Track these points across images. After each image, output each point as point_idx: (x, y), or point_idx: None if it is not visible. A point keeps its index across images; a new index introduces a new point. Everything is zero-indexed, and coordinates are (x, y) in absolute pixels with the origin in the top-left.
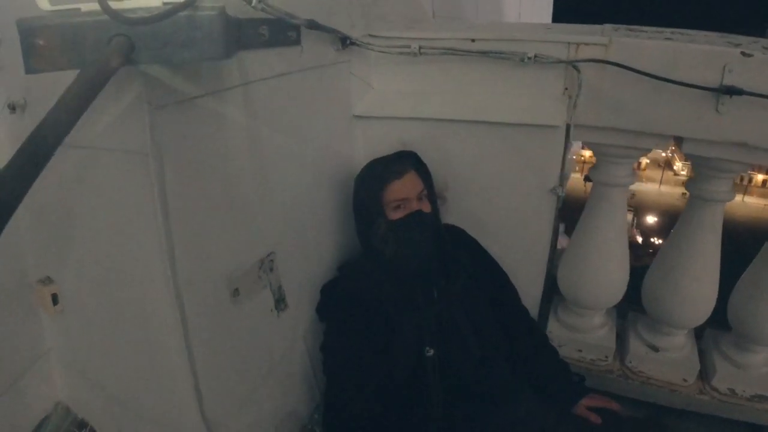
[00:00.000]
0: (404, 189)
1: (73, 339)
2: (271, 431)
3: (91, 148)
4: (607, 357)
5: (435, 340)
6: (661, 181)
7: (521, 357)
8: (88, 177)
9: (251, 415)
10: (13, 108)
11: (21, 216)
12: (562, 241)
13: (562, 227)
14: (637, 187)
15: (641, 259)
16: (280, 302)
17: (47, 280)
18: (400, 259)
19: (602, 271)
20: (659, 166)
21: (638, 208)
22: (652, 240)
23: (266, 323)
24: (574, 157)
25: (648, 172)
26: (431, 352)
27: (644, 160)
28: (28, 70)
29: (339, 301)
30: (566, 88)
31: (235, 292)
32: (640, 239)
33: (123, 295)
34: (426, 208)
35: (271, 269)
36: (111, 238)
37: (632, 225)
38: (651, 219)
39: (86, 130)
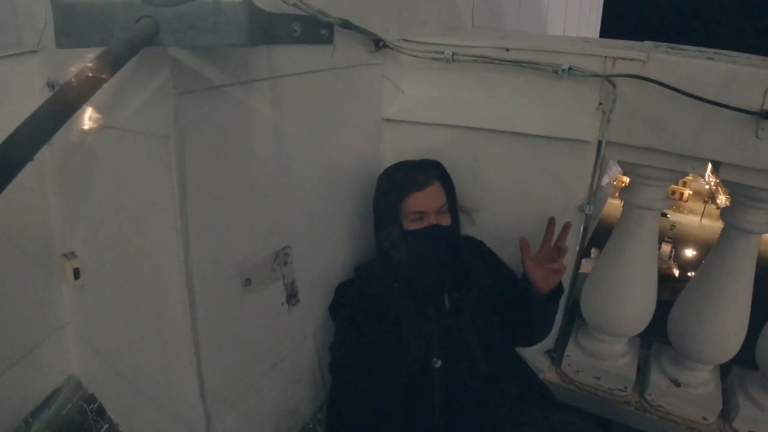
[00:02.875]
0: (424, 201)
1: (90, 314)
2: (271, 425)
3: (120, 129)
4: (626, 387)
5: (443, 352)
6: (703, 214)
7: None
8: (115, 157)
9: (252, 406)
10: (52, 86)
11: (52, 188)
12: (588, 266)
13: (596, 253)
14: (678, 218)
15: (676, 293)
16: (292, 297)
17: (71, 255)
18: (410, 270)
19: (627, 297)
20: (704, 200)
21: (678, 240)
22: (689, 274)
23: (276, 316)
24: (614, 182)
25: (690, 204)
26: (439, 364)
27: (687, 192)
28: (59, 45)
29: (351, 302)
30: (600, 103)
31: (247, 282)
32: (677, 272)
33: (137, 276)
34: (445, 221)
35: (286, 263)
36: (131, 218)
37: (670, 257)
38: (690, 252)
39: (117, 111)
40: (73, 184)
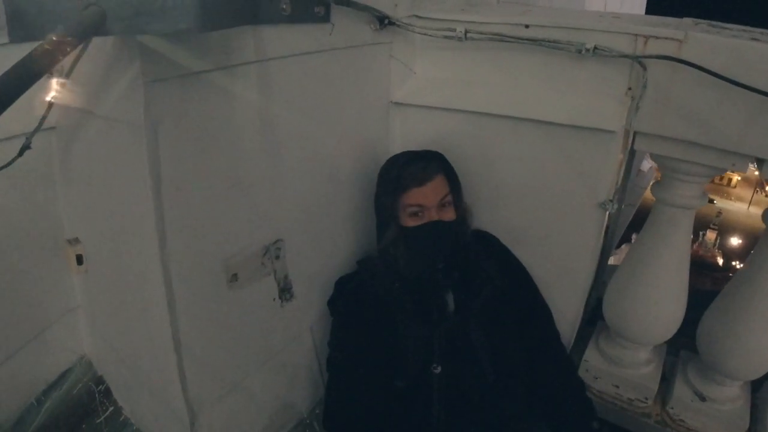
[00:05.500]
0: (424, 196)
1: (94, 299)
2: (264, 420)
3: (104, 117)
4: (647, 399)
5: (444, 356)
6: (751, 201)
7: (540, 386)
8: (102, 145)
9: (241, 401)
10: (50, 73)
11: (58, 174)
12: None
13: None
14: (725, 205)
15: (719, 283)
16: (285, 292)
17: (75, 241)
18: (409, 268)
19: (654, 303)
20: (754, 188)
21: (723, 227)
22: (733, 263)
23: (266, 312)
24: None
25: (738, 191)
26: (438, 369)
27: (735, 178)
28: (12, 40)
29: (351, 298)
30: (629, 88)
31: (233, 278)
32: (720, 261)
33: (126, 267)
34: (448, 215)
35: (278, 257)
36: (118, 209)
37: (715, 245)
38: (735, 241)
39: (102, 99)
40: (75, 171)
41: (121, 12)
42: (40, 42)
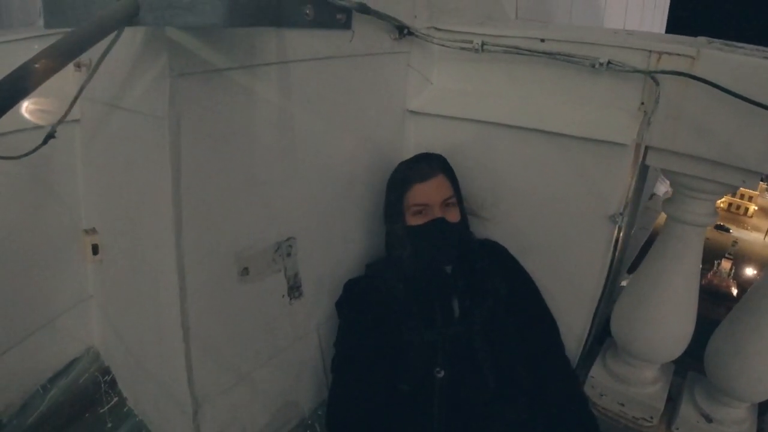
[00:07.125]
0: (426, 193)
1: (107, 289)
2: (266, 416)
3: (128, 110)
4: (652, 418)
5: (448, 362)
6: None
7: (542, 397)
8: (124, 137)
9: (244, 395)
10: (78, 66)
11: (80, 165)
12: None
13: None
14: (741, 235)
15: None
16: (294, 290)
17: (92, 231)
18: (415, 268)
19: (662, 321)
20: None
21: (739, 257)
22: None
23: (275, 308)
24: None
25: (755, 221)
26: (441, 374)
27: (752, 207)
28: (47, 25)
29: (357, 300)
30: (642, 103)
31: (244, 271)
32: (735, 291)
33: (142, 256)
34: (453, 216)
35: (289, 254)
36: (136, 199)
37: (730, 274)
38: (751, 271)
39: (127, 92)
40: (96, 162)
41: (155, 3)
42: (27, 60)
